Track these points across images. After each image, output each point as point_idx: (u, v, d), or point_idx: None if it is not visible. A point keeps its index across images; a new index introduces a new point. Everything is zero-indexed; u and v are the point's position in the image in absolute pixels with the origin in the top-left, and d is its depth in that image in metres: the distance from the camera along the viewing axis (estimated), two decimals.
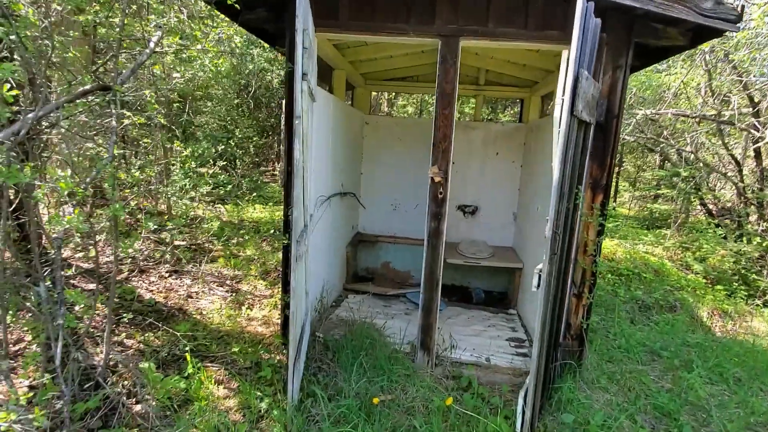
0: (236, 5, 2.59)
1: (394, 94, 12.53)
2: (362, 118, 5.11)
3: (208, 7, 2.88)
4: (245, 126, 7.88)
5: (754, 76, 5.81)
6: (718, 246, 7.30)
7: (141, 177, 2.75)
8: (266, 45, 6.46)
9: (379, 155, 5.19)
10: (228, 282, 4.28)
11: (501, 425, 2.47)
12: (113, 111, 1.96)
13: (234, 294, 4.08)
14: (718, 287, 6.19)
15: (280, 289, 3.80)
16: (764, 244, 6.34)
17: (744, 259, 6.75)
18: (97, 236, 3.18)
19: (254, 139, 8.00)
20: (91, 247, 3.72)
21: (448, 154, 2.92)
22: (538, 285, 2.22)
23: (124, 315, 2.77)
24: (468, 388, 2.92)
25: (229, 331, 3.38)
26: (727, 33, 2.62)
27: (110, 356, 2.61)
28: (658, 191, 10.84)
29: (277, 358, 3.07)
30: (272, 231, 5.77)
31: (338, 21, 2.94)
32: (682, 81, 7.47)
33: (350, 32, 2.96)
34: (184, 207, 3.10)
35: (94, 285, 3.46)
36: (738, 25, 2.41)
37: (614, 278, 5.85)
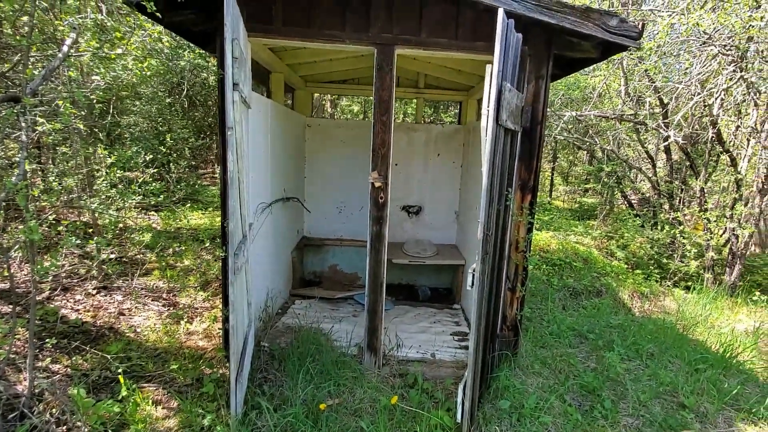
0: (157, 14, 2.45)
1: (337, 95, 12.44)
2: (303, 121, 5.06)
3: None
4: (180, 126, 7.45)
5: (658, 82, 6.47)
6: (637, 234, 8.08)
7: (60, 188, 2.53)
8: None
9: (322, 158, 5.17)
10: (164, 296, 4.07)
11: (443, 418, 2.60)
12: (23, 124, 1.80)
13: (171, 308, 3.89)
14: (637, 271, 6.85)
15: (221, 301, 3.68)
16: (672, 231, 7.10)
17: (657, 245, 7.53)
18: (12, 253, 2.89)
19: (190, 140, 7.60)
20: (4, 267, 3.38)
21: (387, 159, 2.99)
22: (472, 284, 2.35)
23: (48, 340, 2.56)
24: (414, 385, 3.03)
25: (167, 348, 3.23)
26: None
27: (35, 383, 2.42)
28: (587, 185, 11.74)
29: (220, 371, 2.99)
30: (212, 239, 5.54)
31: (272, 26, 2.89)
32: (605, 83, 8.14)
33: (285, 38, 2.92)
34: (110, 218, 2.89)
35: (11, 307, 3.15)
36: (638, 41, 2.69)
37: (549, 269, 6.28)
